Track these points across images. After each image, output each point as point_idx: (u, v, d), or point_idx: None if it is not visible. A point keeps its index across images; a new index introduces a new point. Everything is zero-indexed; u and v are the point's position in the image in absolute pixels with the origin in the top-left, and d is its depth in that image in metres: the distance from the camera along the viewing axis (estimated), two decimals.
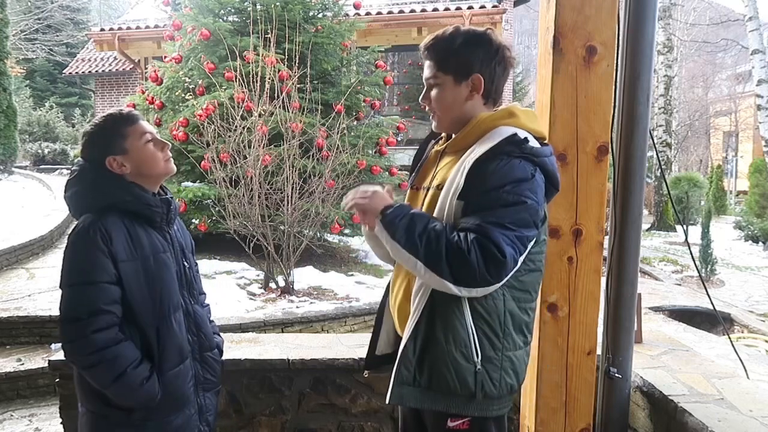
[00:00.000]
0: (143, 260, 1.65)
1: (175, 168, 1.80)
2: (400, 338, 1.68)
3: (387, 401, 1.53)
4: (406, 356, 1.51)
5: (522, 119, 1.54)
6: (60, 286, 1.63)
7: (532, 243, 1.46)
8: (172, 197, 1.81)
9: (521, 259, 1.43)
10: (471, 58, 1.54)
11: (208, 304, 2.01)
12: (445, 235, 1.40)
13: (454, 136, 1.63)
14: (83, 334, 1.55)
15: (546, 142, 1.58)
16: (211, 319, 1.97)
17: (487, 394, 1.49)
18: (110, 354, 1.56)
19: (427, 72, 1.60)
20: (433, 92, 1.59)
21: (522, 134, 1.47)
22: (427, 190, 1.61)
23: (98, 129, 1.71)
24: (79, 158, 1.76)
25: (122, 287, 1.60)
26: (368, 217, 1.53)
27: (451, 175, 1.50)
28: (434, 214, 1.51)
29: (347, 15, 8.10)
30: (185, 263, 1.82)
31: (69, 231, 6.99)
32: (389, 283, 1.77)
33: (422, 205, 1.61)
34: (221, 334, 2.00)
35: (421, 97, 1.64)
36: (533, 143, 1.48)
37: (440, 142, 1.71)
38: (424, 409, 1.61)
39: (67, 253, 1.63)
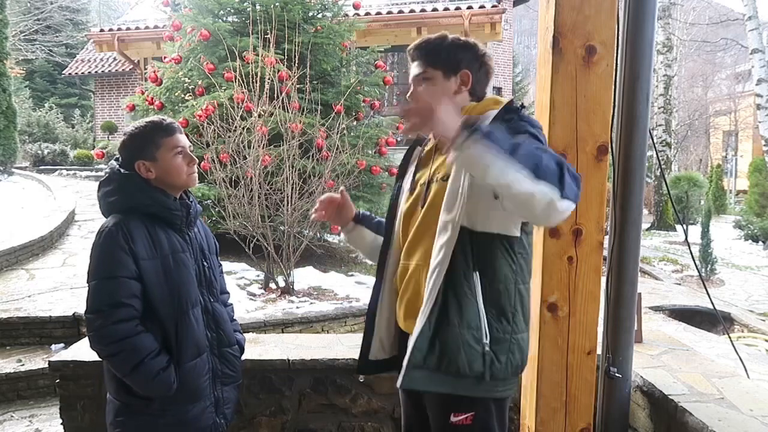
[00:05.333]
0: (162, 258, 1.77)
1: (196, 181, 1.93)
2: (397, 342, 1.71)
3: (398, 385, 1.55)
4: (421, 337, 1.52)
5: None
6: (86, 282, 1.76)
7: None
8: (193, 201, 1.93)
9: None
10: (459, 56, 1.62)
11: (231, 304, 2.09)
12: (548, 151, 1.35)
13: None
14: (105, 324, 1.67)
15: None
16: (233, 318, 2.06)
17: (494, 375, 1.52)
18: (129, 344, 1.68)
19: (415, 70, 1.65)
20: (422, 87, 1.63)
21: (517, 103, 1.55)
22: (428, 184, 1.63)
23: (137, 133, 1.83)
24: (111, 161, 1.89)
25: (143, 283, 1.72)
26: (441, 127, 1.31)
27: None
28: (443, 204, 1.53)
29: (347, 15, 8.09)
30: (204, 263, 1.92)
31: (69, 232, 6.96)
32: (377, 286, 1.77)
33: (424, 199, 1.63)
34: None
35: (408, 94, 1.67)
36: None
37: (429, 143, 1.74)
38: (427, 402, 1.62)
39: (93, 251, 1.75)
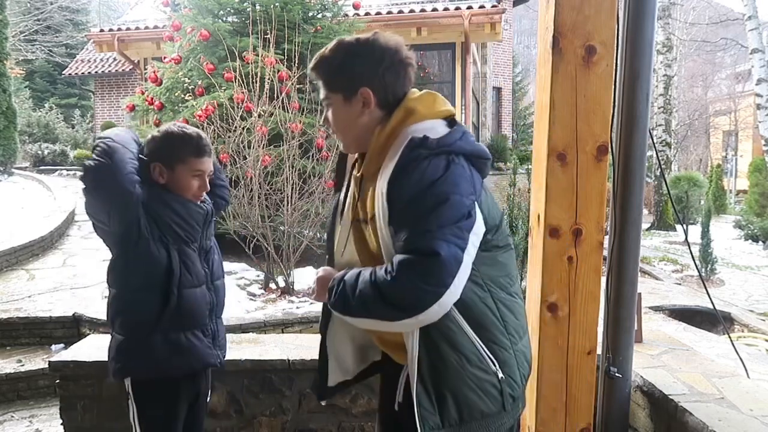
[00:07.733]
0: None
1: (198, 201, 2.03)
2: (358, 361, 1.67)
3: None
4: (422, 401, 1.36)
5: (422, 111, 1.41)
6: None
7: (477, 232, 1.32)
8: (206, 203, 2.04)
9: (470, 249, 1.29)
10: (354, 72, 1.42)
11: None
12: (373, 276, 1.32)
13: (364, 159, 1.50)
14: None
15: (453, 119, 1.44)
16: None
17: (515, 397, 1.42)
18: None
19: (321, 93, 1.49)
20: (329, 113, 1.50)
21: (419, 133, 1.35)
22: (367, 222, 1.47)
23: (171, 138, 1.90)
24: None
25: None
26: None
27: (376, 203, 1.39)
28: (383, 249, 1.38)
29: (347, 15, 8.10)
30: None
31: (69, 232, 6.96)
32: (325, 306, 1.63)
33: (367, 239, 1.49)
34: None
35: (322, 119, 1.57)
36: (436, 133, 1.36)
37: (357, 165, 1.56)
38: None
39: None
